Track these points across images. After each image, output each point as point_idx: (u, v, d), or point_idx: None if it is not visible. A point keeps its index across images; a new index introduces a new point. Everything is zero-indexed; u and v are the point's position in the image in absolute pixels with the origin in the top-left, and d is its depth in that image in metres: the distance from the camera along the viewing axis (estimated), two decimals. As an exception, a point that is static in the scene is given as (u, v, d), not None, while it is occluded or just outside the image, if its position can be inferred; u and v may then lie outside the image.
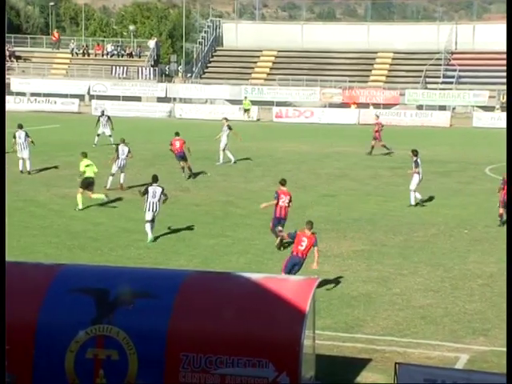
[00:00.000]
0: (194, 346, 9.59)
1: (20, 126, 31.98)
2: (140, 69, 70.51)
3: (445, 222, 23.99)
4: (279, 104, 63.76)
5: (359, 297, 16.50)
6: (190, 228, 22.49)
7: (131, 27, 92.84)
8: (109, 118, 41.19)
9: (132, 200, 26.41)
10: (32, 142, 31.94)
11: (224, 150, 34.66)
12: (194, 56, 74.84)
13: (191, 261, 18.94)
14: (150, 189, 21.19)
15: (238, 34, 74.43)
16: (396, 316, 15.36)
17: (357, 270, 18.44)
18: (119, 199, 26.72)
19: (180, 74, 76.11)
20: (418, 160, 26.49)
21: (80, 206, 24.80)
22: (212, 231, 22.28)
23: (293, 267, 16.23)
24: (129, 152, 28.76)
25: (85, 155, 25.94)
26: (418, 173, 26.29)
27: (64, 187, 28.43)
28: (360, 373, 12.41)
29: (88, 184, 25.19)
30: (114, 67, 70.72)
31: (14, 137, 31.54)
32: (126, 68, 70.75)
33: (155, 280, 10.46)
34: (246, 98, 62.76)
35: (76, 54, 74.39)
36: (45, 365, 9.58)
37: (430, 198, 27.86)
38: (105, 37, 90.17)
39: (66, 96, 65.89)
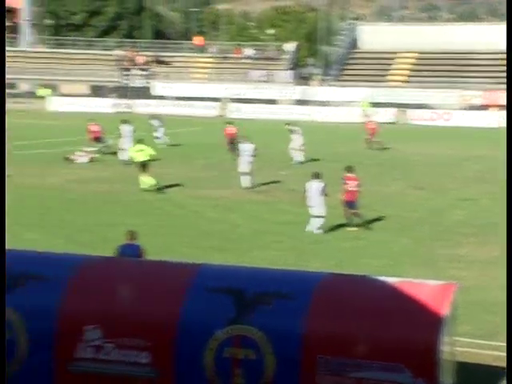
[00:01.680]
0: (330, 349, 9.55)
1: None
2: (278, 72, 71.14)
3: None
4: (416, 106, 62.84)
5: (500, 304, 16.02)
6: (325, 230, 22.48)
7: (270, 31, 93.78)
8: (159, 120, 42.06)
9: (266, 202, 26.66)
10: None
11: (294, 149, 36.16)
12: (332, 59, 74.81)
13: (326, 263, 18.92)
14: (307, 184, 22.14)
15: (375, 36, 73.88)
16: (539, 325, 14.82)
17: (497, 276, 17.87)
18: (255, 201, 27.03)
19: (317, 77, 76.31)
20: None
21: (144, 186, 27.78)
22: (347, 234, 22.20)
23: None
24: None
25: (139, 141, 29.41)
26: None
27: (200, 188, 29.02)
28: (501, 382, 12.06)
29: (142, 166, 28.12)
30: (252, 71, 71.67)
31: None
32: (264, 71, 71.53)
33: (291, 281, 10.50)
34: (364, 100, 62.29)
35: (216, 58, 75.80)
36: (185, 362, 9.78)
37: None
38: (243, 41, 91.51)
39: (206, 99, 67.23)
